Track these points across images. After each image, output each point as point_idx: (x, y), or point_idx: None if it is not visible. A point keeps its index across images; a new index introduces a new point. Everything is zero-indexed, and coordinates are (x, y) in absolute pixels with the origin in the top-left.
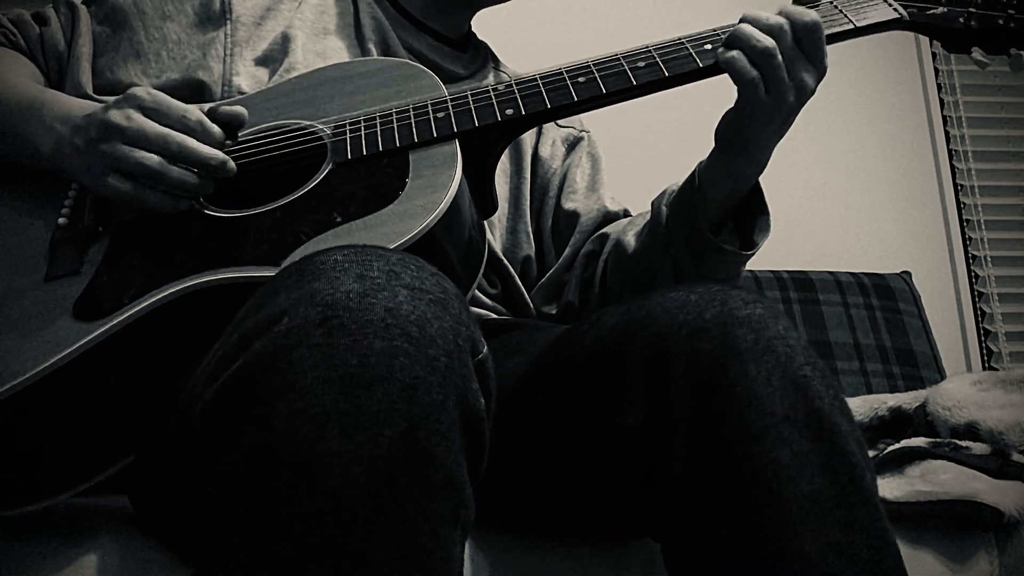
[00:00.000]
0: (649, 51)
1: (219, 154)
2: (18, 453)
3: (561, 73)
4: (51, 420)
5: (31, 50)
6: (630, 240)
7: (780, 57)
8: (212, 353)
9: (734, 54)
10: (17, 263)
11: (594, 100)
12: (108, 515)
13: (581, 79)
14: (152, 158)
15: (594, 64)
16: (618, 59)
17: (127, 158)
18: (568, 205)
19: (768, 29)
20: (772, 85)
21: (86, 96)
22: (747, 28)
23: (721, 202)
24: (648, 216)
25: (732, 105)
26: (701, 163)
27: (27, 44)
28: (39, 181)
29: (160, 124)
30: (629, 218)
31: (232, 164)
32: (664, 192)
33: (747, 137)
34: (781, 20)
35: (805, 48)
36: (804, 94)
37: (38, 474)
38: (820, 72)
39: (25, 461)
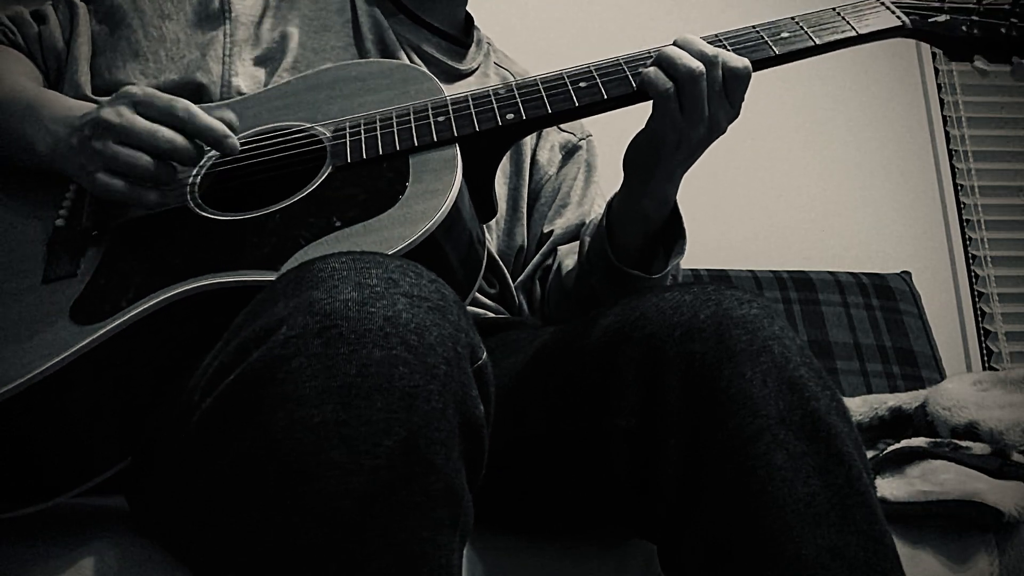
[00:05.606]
0: (651, 56)
1: (205, 140)
2: (15, 456)
3: (562, 77)
4: (49, 423)
5: (30, 48)
6: (568, 263)
7: (704, 84)
8: (209, 360)
9: (653, 69)
10: (14, 265)
11: (596, 105)
12: (106, 515)
13: (583, 84)
14: (142, 156)
15: (595, 68)
16: (619, 64)
17: (117, 155)
18: (552, 224)
19: (700, 55)
20: (688, 106)
21: (84, 97)
22: (675, 51)
23: (633, 235)
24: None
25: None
26: (613, 197)
27: (26, 42)
28: (37, 182)
29: (149, 118)
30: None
31: (234, 141)
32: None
33: (652, 163)
34: (716, 52)
35: (729, 89)
36: (715, 132)
37: (36, 477)
38: (735, 115)
39: (23, 464)
